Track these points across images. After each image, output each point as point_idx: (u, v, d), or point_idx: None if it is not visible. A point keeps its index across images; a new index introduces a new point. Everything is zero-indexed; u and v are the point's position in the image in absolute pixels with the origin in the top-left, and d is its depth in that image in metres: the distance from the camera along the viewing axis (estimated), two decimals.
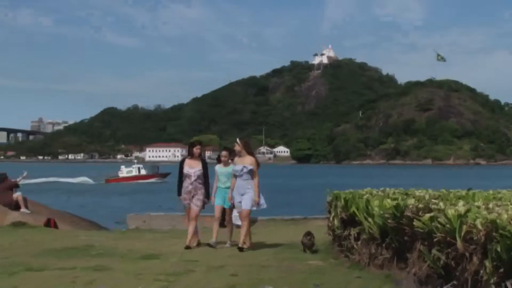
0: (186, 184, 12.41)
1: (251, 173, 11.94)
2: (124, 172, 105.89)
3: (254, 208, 12.16)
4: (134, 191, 74.99)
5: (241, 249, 11.58)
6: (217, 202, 12.64)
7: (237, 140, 12.35)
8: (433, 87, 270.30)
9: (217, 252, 11.65)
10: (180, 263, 10.32)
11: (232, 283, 8.43)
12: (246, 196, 11.86)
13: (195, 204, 12.41)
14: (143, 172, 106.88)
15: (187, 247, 12.03)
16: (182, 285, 8.38)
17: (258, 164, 12.11)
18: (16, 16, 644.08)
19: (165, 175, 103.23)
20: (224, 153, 12.79)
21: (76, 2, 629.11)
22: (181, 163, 12.64)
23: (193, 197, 12.37)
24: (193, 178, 12.35)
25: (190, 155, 12.65)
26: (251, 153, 12.31)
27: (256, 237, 13.96)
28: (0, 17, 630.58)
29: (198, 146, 12.69)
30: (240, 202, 11.91)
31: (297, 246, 12.03)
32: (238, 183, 11.97)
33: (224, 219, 13.07)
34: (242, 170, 11.87)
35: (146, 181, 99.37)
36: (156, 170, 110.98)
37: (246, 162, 11.95)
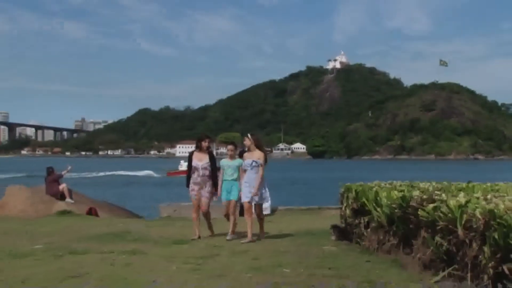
0: (195, 176, 11.57)
1: (258, 165, 11.18)
2: (183, 166, 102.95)
3: (266, 202, 11.82)
4: None
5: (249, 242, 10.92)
6: (224, 196, 11.60)
7: (248, 135, 11.54)
8: (436, 89, 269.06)
9: (240, 238, 11.55)
10: (207, 248, 10.35)
11: (254, 265, 8.44)
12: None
13: (205, 196, 11.64)
14: None
15: (198, 237, 11.55)
16: (209, 267, 8.39)
17: (266, 159, 11.41)
18: (69, 29, 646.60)
19: (218, 169, 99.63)
20: (230, 147, 11.85)
21: (117, 17, 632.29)
22: (190, 156, 11.81)
23: (201, 189, 11.57)
24: (201, 171, 11.53)
25: (198, 148, 11.78)
26: (261, 148, 11.49)
27: (275, 225, 13.96)
28: (54, 30, 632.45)
29: (206, 140, 11.81)
30: (250, 195, 11.13)
31: (312, 233, 12.01)
32: (248, 177, 11.18)
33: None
34: (251, 164, 11.16)
35: None
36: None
37: (255, 156, 11.22)
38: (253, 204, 11.35)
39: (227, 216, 11.68)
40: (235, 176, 11.50)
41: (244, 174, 11.33)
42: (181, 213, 18.34)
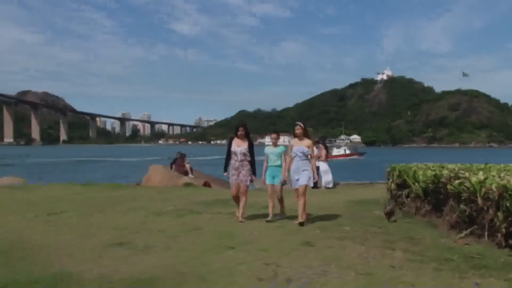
0: (233, 161, 9.21)
1: (308, 155, 8.82)
2: (335, 151, 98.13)
3: (311, 185, 9.00)
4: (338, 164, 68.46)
5: (301, 224, 8.47)
6: (269, 180, 9.26)
7: (299, 123, 9.09)
8: (460, 94, 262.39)
9: (309, 206, 11.39)
10: (286, 212, 10.34)
11: (321, 225, 8.44)
12: (303, 174, 8.77)
13: (242, 181, 9.19)
14: (347, 151, 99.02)
15: (240, 221, 9.01)
16: (288, 226, 8.43)
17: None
18: (184, 53, 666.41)
19: (362, 154, 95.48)
20: (273, 135, 9.44)
21: (220, 44, 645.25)
22: (229, 142, 9.42)
23: (239, 173, 9.16)
24: (239, 156, 9.13)
25: (237, 135, 9.36)
26: (308, 136, 9.10)
27: (337, 195, 13.82)
28: (174, 54, 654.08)
29: (241, 128, 9.36)
30: (298, 179, 8.81)
31: (365, 201, 11.81)
32: (296, 163, 8.81)
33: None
34: (300, 151, 8.80)
35: (350, 157, 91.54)
36: (356, 149, 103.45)
37: (304, 144, 8.85)
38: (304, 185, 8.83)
39: (270, 200, 9.25)
40: (279, 162, 9.18)
41: (290, 160, 9.00)
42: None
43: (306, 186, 8.80)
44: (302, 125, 9.02)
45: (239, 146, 9.23)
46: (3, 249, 6.63)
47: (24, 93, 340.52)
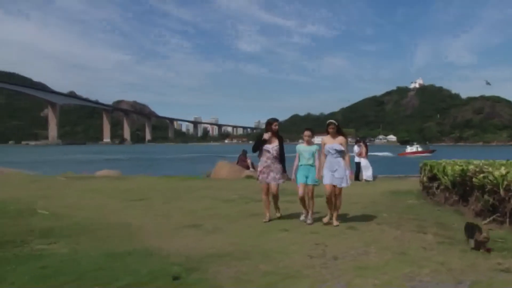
0: (264, 159, 7.58)
1: (341, 152, 7.21)
2: (408, 149, 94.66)
3: (344, 185, 7.19)
4: (408, 160, 64.86)
5: (337, 226, 7.03)
6: (300, 179, 7.44)
7: (333, 121, 7.52)
8: (483, 100, 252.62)
9: (352, 196, 11.23)
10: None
11: (362, 212, 8.32)
12: (337, 174, 7.15)
13: (275, 179, 7.59)
14: (419, 149, 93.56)
15: (268, 220, 7.56)
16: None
17: (347, 143, 6.97)
18: (245, 68, 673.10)
19: (432, 151, 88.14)
20: (307, 133, 7.62)
21: (276, 59, 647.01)
22: (260, 138, 7.79)
23: (271, 171, 7.55)
24: (270, 154, 7.53)
25: (269, 132, 7.65)
26: (342, 133, 7.41)
27: (376, 187, 13.53)
28: (237, 68, 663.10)
29: (275, 123, 7.72)
30: (331, 175, 7.19)
31: (401, 192, 11.51)
32: (330, 161, 7.21)
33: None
34: (333, 148, 7.18)
35: (421, 154, 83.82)
36: (427, 147, 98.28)
37: (338, 142, 7.26)
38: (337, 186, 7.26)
39: (302, 199, 7.56)
40: (311, 161, 7.44)
41: (323, 158, 7.34)
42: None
43: (340, 188, 7.23)
44: (335, 123, 7.47)
45: (271, 143, 7.61)
46: (102, 227, 6.98)
47: (118, 102, 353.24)
